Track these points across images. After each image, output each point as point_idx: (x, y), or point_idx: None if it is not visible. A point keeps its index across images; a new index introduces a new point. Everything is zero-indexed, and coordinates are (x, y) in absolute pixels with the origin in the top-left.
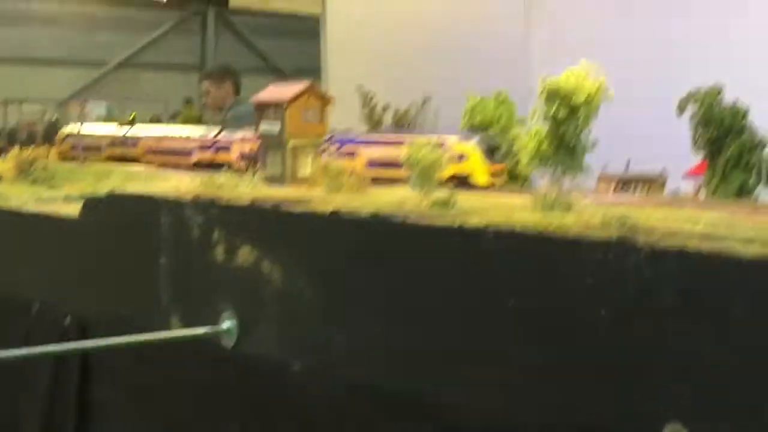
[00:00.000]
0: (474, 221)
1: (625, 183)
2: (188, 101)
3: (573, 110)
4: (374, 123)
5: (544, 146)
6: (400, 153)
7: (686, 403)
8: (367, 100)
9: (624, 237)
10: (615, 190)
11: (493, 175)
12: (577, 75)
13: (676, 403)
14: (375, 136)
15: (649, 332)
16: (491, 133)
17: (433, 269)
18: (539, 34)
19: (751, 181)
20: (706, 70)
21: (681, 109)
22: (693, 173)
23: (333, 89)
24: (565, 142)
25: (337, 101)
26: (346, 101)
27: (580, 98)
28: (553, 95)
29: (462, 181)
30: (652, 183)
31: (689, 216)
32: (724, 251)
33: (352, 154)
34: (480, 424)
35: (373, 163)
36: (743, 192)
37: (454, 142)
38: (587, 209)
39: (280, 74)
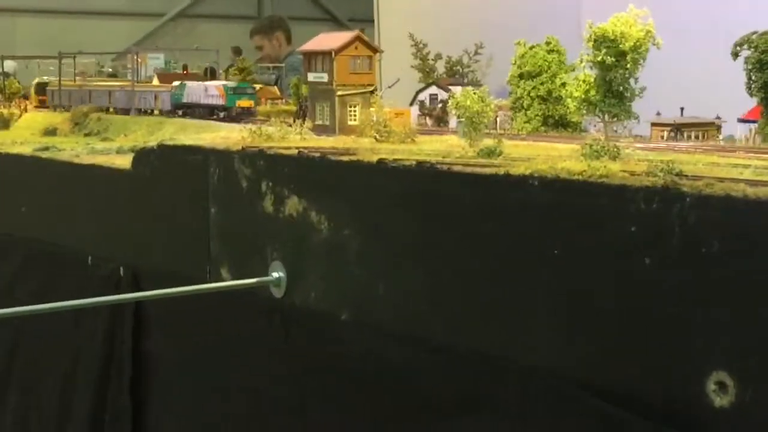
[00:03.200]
0: (519, 169)
1: (678, 129)
2: (237, 52)
3: (620, 56)
4: (426, 72)
5: (592, 93)
6: None
7: (731, 352)
8: (418, 49)
9: (669, 184)
10: (668, 136)
11: None
12: (625, 21)
13: (721, 352)
14: None
15: (695, 280)
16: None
17: (477, 218)
18: None
19: None
20: (761, 13)
21: (735, 53)
22: (748, 118)
23: (385, 38)
24: (612, 89)
25: (389, 50)
26: (398, 50)
27: (627, 44)
28: (600, 41)
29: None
30: (707, 129)
31: (738, 162)
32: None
33: None
34: (524, 377)
35: None
36: None
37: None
38: (634, 157)
39: (337, 23)
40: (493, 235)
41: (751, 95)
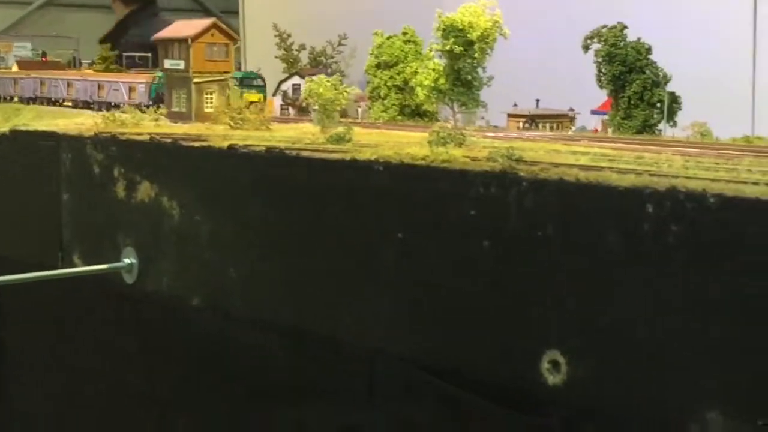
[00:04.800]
0: (365, 155)
1: (533, 120)
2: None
3: (468, 46)
4: (290, 62)
5: (441, 81)
6: None
7: (563, 331)
8: (282, 39)
9: (506, 169)
10: (523, 127)
11: None
12: (473, 11)
13: (554, 332)
14: None
15: (530, 262)
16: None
17: (324, 202)
18: None
19: (654, 116)
20: (615, 7)
21: (586, 46)
22: (600, 110)
23: (250, 29)
24: (461, 77)
25: (254, 41)
26: (263, 41)
27: (474, 34)
28: (449, 31)
29: None
30: (560, 120)
31: (579, 150)
32: (600, 181)
33: None
34: (371, 360)
35: None
36: (646, 127)
37: None
38: (480, 144)
39: (210, 14)
40: (340, 220)
41: (601, 87)
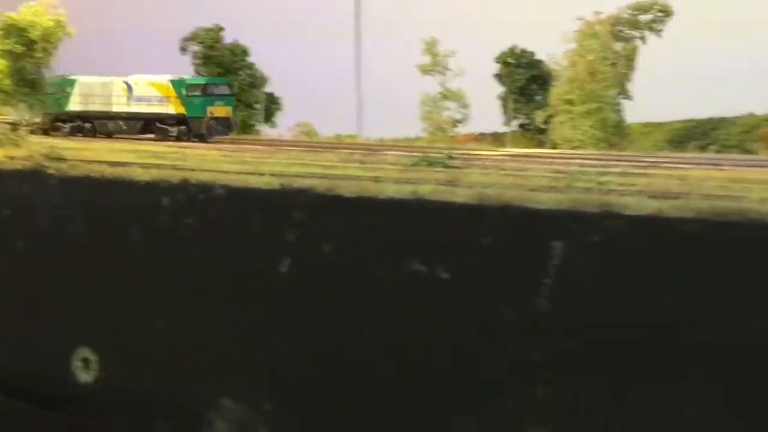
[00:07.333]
0: None
1: None
2: None
3: (30, 45)
4: None
5: (6, 82)
6: None
7: (93, 327)
8: None
9: (36, 167)
10: None
11: None
12: (35, 10)
13: (84, 329)
14: None
15: (60, 260)
16: None
17: None
18: None
19: (254, 117)
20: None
21: (183, 48)
22: None
23: None
24: (25, 78)
25: None
26: None
27: (36, 33)
28: (10, 31)
29: None
30: None
31: (135, 149)
32: (123, 176)
33: None
34: None
35: None
36: (246, 128)
37: None
38: (39, 144)
39: None
40: None
41: None
